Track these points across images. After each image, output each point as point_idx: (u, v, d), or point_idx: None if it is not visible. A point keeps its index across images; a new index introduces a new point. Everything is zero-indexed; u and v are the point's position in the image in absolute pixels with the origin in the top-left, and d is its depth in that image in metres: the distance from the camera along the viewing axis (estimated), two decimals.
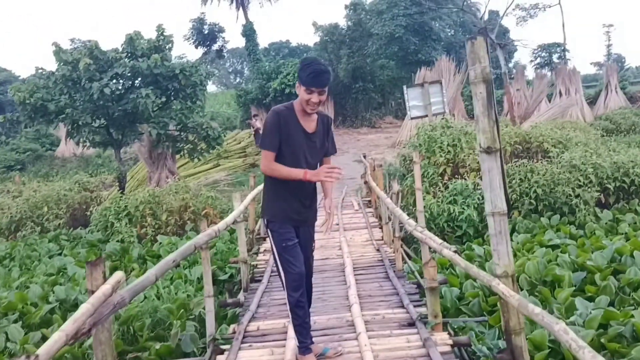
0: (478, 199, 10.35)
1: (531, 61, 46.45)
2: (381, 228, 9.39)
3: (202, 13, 44.11)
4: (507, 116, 18.66)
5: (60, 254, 11.32)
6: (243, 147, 26.46)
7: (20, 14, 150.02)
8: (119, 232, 11.92)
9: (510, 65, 52.94)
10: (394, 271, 6.48)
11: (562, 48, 44.26)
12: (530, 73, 44.04)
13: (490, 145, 3.44)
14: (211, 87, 71.82)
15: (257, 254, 8.34)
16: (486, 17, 52.96)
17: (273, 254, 4.00)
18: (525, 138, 13.56)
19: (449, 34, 45.20)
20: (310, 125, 3.85)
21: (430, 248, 4.72)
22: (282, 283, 3.92)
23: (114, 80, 13.93)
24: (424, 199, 11.89)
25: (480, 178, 11.63)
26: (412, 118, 14.36)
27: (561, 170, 10.80)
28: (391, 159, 22.19)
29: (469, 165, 11.72)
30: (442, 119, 13.09)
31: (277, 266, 3.96)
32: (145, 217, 12.37)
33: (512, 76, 50.00)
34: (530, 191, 10.56)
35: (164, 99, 15.70)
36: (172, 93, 15.28)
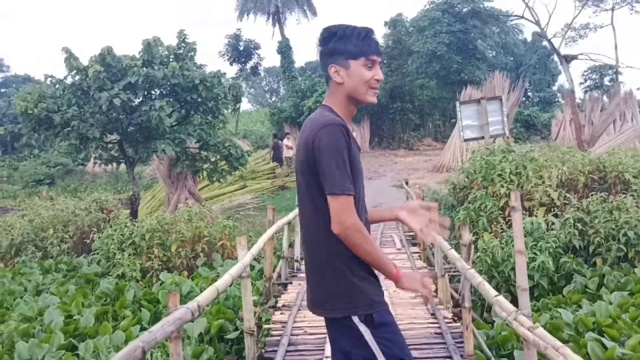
0: (553, 242, 8.31)
1: (581, 83, 43.92)
2: (433, 277, 7.43)
3: (238, 29, 43.37)
4: (572, 140, 16.46)
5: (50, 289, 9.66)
6: (272, 167, 24.79)
7: (55, 23, 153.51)
8: (121, 264, 10.23)
9: (554, 88, 50.64)
10: (462, 357, 4.53)
11: (615, 70, 41.75)
12: (578, 95, 41.57)
13: None
14: (246, 105, 71.45)
15: (274, 308, 6.47)
16: (529, 38, 51.03)
17: None
18: (599, 167, 11.44)
19: (491, 54, 43.25)
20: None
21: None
22: None
23: (127, 91, 12.33)
24: (477, 236, 9.93)
25: (555, 215, 9.64)
26: (465, 140, 12.40)
27: None
28: (433, 185, 20.20)
29: (538, 198, 9.67)
30: (503, 141, 11.10)
31: None
32: (153, 247, 10.67)
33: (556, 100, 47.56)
34: (619, 234, 8.46)
35: (183, 113, 14.09)
36: (192, 106, 13.66)
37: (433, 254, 9.34)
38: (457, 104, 12.16)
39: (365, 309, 2.26)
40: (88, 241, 13.54)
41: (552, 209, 9.58)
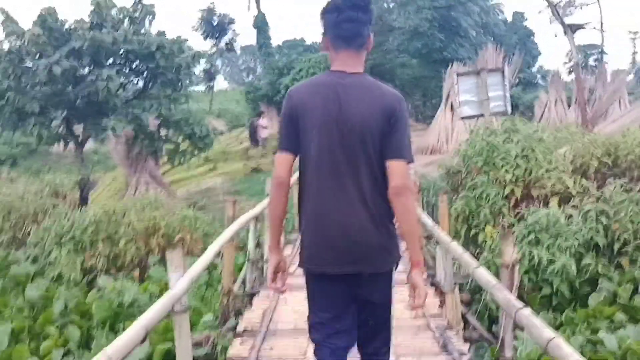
0: (577, 239, 6.90)
1: (565, 63, 42.84)
2: (434, 286, 5.98)
3: (212, 3, 41.46)
4: (578, 119, 15.12)
5: None
6: (245, 148, 23.11)
7: None
8: (58, 263, 8.60)
9: (534, 70, 49.55)
10: None
11: (600, 50, 40.75)
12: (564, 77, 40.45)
13: None
14: (222, 84, 69.37)
15: (234, 332, 4.95)
16: (510, 19, 49.83)
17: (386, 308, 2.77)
18: (609, 150, 10.07)
19: (472, 34, 41.93)
20: None
21: None
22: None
23: (70, 58, 10.57)
24: (479, 230, 8.51)
25: (574, 206, 8.24)
26: (463, 118, 10.90)
27: None
28: (420, 168, 18.78)
29: (550, 186, 8.24)
30: (504, 119, 9.66)
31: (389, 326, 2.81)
32: (97, 242, 9.05)
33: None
34: None
35: (140, 85, 12.36)
36: (150, 78, 11.93)
37: (433, 258, 7.89)
38: (455, 75, 10.63)
39: (397, 260, 2.68)
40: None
41: (567, 199, 8.18)
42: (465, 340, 4.78)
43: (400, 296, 2.86)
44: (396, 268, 2.65)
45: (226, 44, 43.18)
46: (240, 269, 7.04)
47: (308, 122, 2.48)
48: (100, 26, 11.41)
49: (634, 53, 59.05)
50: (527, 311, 2.51)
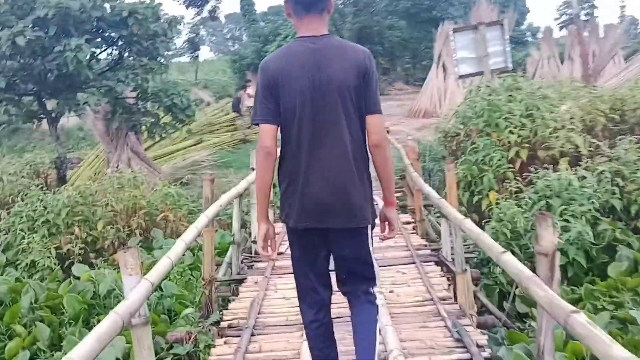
0: (592, 204, 6.32)
1: (555, 19, 41.88)
2: (439, 265, 5.40)
3: None
4: (577, 73, 14.39)
5: None
6: (232, 118, 22.29)
7: None
8: (31, 250, 7.95)
9: (523, 27, 48.52)
10: None
11: (591, 4, 39.85)
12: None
13: None
14: (207, 54, 68.02)
15: (217, 327, 4.36)
16: None
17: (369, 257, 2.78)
18: (616, 105, 9.46)
19: None
20: None
21: None
22: None
23: (35, 28, 9.74)
24: (483, 196, 7.93)
25: (586, 168, 7.63)
26: (461, 76, 10.16)
27: None
28: (412, 132, 18.14)
29: (559, 147, 7.63)
30: (505, 76, 8.98)
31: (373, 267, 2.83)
32: (74, 226, 8.40)
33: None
34: None
35: (115, 55, 11.55)
36: (124, 47, 11.12)
37: (433, 226, 7.31)
38: (451, 31, 9.85)
39: (374, 219, 2.75)
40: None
41: (577, 160, 7.58)
42: (479, 326, 4.23)
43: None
44: (372, 228, 2.72)
45: (209, 11, 41.99)
46: (227, 250, 6.45)
47: (288, 90, 2.54)
48: None
49: (623, 7, 58.07)
50: (582, 318, 1.90)
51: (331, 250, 2.72)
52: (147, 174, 13.11)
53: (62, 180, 11.72)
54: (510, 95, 8.55)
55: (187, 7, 40.80)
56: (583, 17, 41.06)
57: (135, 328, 2.49)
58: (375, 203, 2.79)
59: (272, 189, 2.75)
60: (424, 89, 21.57)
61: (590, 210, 6.29)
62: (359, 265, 2.72)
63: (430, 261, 5.45)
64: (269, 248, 2.69)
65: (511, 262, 2.63)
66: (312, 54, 2.56)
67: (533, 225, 6.23)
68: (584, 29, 29.62)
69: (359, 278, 2.75)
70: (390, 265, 5.37)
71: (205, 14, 42.28)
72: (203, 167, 16.68)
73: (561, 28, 40.67)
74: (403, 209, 8.47)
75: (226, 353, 3.80)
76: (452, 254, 5.17)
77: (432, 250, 5.82)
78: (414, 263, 5.40)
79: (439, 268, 5.24)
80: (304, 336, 3.09)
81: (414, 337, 3.80)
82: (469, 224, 3.92)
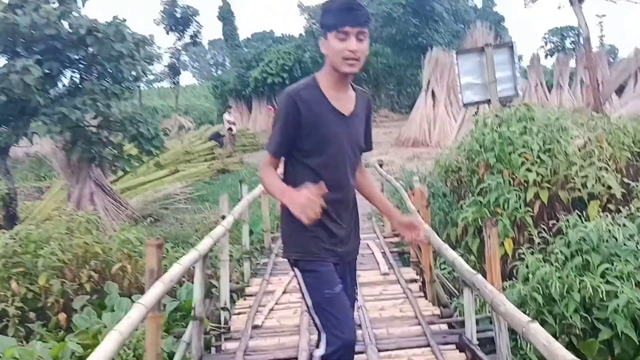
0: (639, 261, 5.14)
1: (541, 47, 41.58)
2: (460, 348, 4.15)
3: None
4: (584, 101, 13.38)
5: None
6: (210, 147, 21.01)
7: None
8: None
9: None
10: None
11: (577, 32, 39.54)
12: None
13: None
14: (190, 79, 67.04)
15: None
16: (480, 5, 48.67)
17: (308, 309, 2.58)
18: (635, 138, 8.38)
19: (447, 19, 40.57)
20: (346, 105, 2.50)
21: None
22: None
23: None
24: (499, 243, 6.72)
25: (617, 211, 6.36)
26: (465, 105, 9.02)
27: None
28: (401, 162, 17.01)
29: (590, 187, 6.47)
30: (517, 105, 7.87)
31: (315, 324, 2.55)
32: (10, 280, 7.02)
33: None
34: None
35: (75, 79, 10.28)
36: (84, 70, 9.86)
37: (443, 285, 6.06)
38: (454, 53, 8.73)
39: (292, 253, 2.69)
40: None
41: (609, 204, 6.43)
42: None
43: None
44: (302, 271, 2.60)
45: (190, 37, 41.61)
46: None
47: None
48: (21, 7, 9.29)
49: (602, 37, 58.25)
50: None
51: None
52: (111, 211, 11.77)
53: (12, 218, 10.30)
54: (523, 127, 7.42)
55: (167, 33, 40.35)
56: (569, 45, 40.83)
57: None
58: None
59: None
60: (413, 117, 20.53)
61: (638, 269, 5.11)
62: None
63: (450, 343, 4.19)
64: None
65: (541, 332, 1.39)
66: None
67: (570, 288, 5.09)
68: (582, 56, 29.02)
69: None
70: (398, 349, 4.11)
71: (187, 39, 41.80)
72: (176, 200, 15.38)
73: (547, 56, 40.30)
74: (402, 256, 7.26)
75: None
76: (477, 332, 3.98)
77: (449, 325, 4.56)
78: (428, 346, 4.14)
79: (463, 356, 3.98)
80: None
81: None
82: (510, 306, 2.70)
